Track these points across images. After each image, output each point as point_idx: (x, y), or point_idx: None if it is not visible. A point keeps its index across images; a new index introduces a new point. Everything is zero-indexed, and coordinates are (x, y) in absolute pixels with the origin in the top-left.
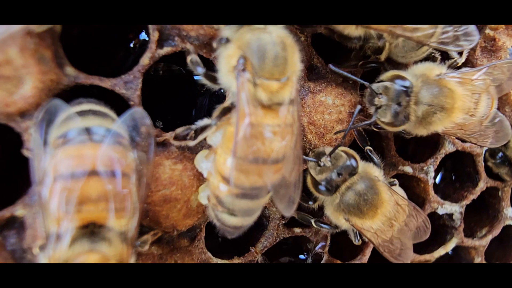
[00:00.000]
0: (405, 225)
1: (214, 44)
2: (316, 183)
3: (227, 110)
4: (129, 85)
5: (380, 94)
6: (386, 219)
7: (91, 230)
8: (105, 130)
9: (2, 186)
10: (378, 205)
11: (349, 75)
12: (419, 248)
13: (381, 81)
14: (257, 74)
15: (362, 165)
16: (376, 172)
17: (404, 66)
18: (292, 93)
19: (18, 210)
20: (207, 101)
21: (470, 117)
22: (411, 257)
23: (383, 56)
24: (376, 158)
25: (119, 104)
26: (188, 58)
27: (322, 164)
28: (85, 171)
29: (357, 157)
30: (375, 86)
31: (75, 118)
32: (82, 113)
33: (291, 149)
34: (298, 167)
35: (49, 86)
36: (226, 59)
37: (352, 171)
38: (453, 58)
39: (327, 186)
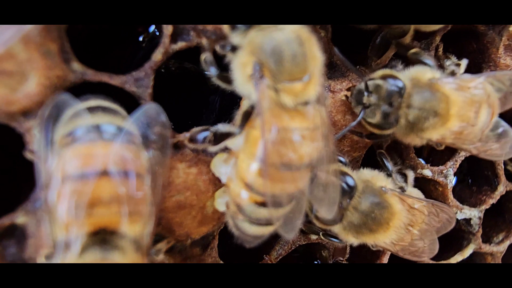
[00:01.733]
0: (427, 225)
1: (222, 51)
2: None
3: (248, 114)
4: (140, 82)
5: (371, 92)
6: (402, 228)
7: (102, 238)
8: (116, 128)
9: (2, 191)
10: (389, 219)
11: (347, 62)
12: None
13: (372, 79)
14: (277, 78)
15: (365, 176)
16: (382, 181)
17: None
18: (317, 90)
19: (19, 217)
20: (219, 99)
21: (470, 126)
22: (437, 248)
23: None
24: (387, 162)
25: (128, 104)
26: (202, 56)
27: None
28: (96, 172)
29: (352, 173)
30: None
31: (83, 114)
32: (90, 110)
33: (323, 149)
34: (333, 166)
35: (55, 83)
36: (240, 68)
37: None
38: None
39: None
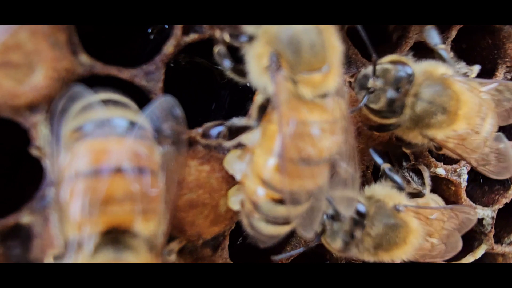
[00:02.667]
0: (447, 230)
1: (235, 42)
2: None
3: (264, 108)
4: (151, 76)
5: (377, 76)
6: (420, 240)
7: (115, 237)
8: (128, 122)
9: (5, 190)
10: (406, 237)
11: (367, 41)
12: None
13: (380, 64)
14: (295, 69)
15: (377, 195)
16: (395, 198)
17: None
18: (337, 81)
19: (24, 217)
20: (229, 94)
21: (474, 133)
22: (460, 245)
23: None
24: (396, 177)
25: (136, 99)
26: (216, 49)
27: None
28: (110, 168)
29: (362, 196)
30: (370, 68)
31: (93, 108)
32: (100, 104)
33: (343, 144)
34: (353, 162)
35: (63, 75)
36: (256, 60)
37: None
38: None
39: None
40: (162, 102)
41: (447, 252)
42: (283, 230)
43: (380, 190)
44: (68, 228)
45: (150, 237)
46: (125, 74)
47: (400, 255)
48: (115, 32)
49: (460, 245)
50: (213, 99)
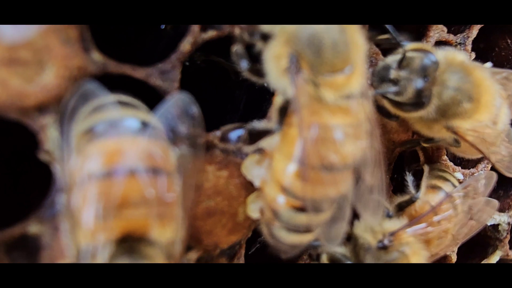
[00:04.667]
0: (460, 220)
1: (251, 40)
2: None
3: (285, 110)
4: (166, 75)
5: (400, 67)
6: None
7: (130, 246)
8: (140, 122)
9: (11, 197)
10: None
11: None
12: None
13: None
14: (316, 71)
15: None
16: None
17: None
18: (361, 82)
19: (32, 226)
20: (244, 94)
21: (492, 124)
22: (486, 216)
23: None
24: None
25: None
26: (233, 48)
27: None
28: (124, 171)
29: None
30: (391, 58)
31: (105, 108)
32: (110, 104)
33: (368, 149)
34: (379, 167)
35: (75, 74)
36: (274, 61)
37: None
38: None
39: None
40: (178, 100)
41: (473, 227)
42: (305, 238)
43: (361, 229)
44: (81, 237)
45: (167, 245)
46: (139, 73)
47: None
48: (126, 27)
49: (486, 215)
50: (228, 99)
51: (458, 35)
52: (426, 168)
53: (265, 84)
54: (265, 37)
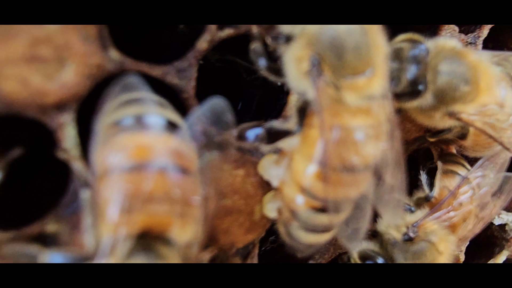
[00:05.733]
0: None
1: (274, 44)
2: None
3: (304, 111)
4: (183, 73)
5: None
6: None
7: (147, 244)
8: (168, 121)
9: (28, 196)
10: (436, 260)
11: None
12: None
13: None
14: (338, 74)
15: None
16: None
17: None
18: (382, 84)
19: (50, 225)
20: (256, 93)
21: (499, 107)
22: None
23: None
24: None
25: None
26: (252, 46)
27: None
28: (155, 166)
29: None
30: None
31: (135, 103)
32: (142, 100)
33: (389, 150)
34: (399, 167)
35: (94, 72)
36: (295, 63)
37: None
38: None
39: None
40: (214, 105)
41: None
42: (323, 238)
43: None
44: (103, 228)
45: (184, 247)
46: (156, 71)
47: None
48: (143, 26)
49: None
50: (239, 98)
51: (469, 34)
52: (439, 165)
53: (279, 83)
54: (286, 39)
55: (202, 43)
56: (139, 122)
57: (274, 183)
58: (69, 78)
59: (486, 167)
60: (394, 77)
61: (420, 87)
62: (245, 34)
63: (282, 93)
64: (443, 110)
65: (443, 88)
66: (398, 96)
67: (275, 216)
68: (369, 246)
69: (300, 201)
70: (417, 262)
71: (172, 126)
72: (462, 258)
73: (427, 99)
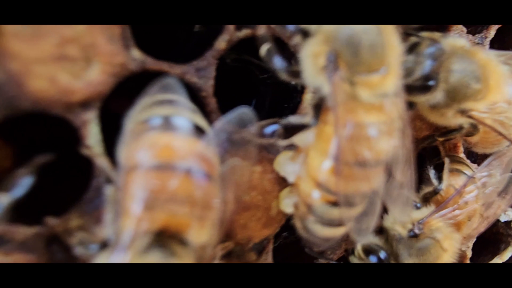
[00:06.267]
0: (485, 201)
1: (290, 39)
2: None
3: (319, 107)
4: (202, 73)
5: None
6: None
7: (163, 242)
8: (196, 125)
9: (52, 192)
10: (440, 257)
11: None
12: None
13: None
14: (353, 70)
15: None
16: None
17: None
18: (395, 83)
19: (73, 220)
20: (270, 90)
21: (507, 104)
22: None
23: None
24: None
25: None
26: (264, 47)
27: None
28: (181, 167)
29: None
30: None
31: (167, 104)
32: (172, 102)
33: (400, 147)
34: (409, 165)
35: (117, 71)
36: (311, 59)
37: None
38: None
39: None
40: (241, 114)
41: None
42: (339, 232)
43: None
44: (126, 222)
45: (199, 248)
46: (176, 70)
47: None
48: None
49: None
50: (253, 96)
51: (476, 35)
52: (447, 161)
53: (293, 83)
54: (304, 35)
55: (221, 43)
56: (167, 123)
57: (290, 179)
58: (95, 77)
59: (492, 166)
60: (409, 69)
61: (431, 83)
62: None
63: (296, 92)
64: (455, 107)
65: (455, 85)
66: (409, 89)
67: (292, 211)
68: (374, 240)
69: (316, 195)
70: (421, 258)
71: (199, 131)
72: (469, 254)
73: (436, 96)
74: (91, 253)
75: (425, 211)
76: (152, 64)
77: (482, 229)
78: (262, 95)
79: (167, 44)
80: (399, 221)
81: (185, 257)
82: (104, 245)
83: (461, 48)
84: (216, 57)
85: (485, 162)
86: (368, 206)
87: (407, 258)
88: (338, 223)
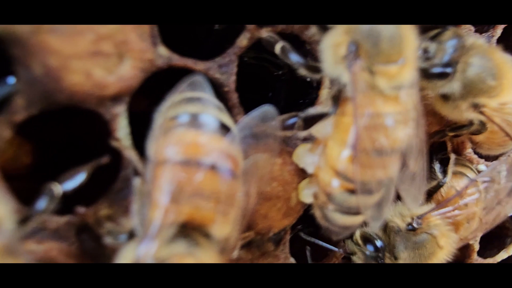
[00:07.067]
0: (486, 205)
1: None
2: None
3: (337, 98)
4: (224, 69)
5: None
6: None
7: (188, 233)
8: (222, 123)
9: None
10: (435, 252)
11: None
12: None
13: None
14: (372, 60)
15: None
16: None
17: None
18: (412, 74)
19: (102, 210)
20: (285, 86)
21: None
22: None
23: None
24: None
25: None
26: (279, 45)
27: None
28: (207, 163)
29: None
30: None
31: (195, 101)
32: (200, 100)
33: (414, 137)
34: (422, 156)
35: (146, 66)
36: (333, 49)
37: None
38: None
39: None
40: (264, 112)
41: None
42: (358, 220)
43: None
44: (154, 213)
45: (222, 240)
46: (200, 66)
47: (440, 257)
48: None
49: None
50: (268, 92)
51: (483, 34)
52: (452, 156)
53: (308, 79)
54: (324, 29)
55: (243, 40)
56: (195, 120)
57: (309, 170)
58: (126, 72)
59: (496, 172)
60: (430, 53)
61: (449, 70)
62: (281, 33)
63: (312, 88)
64: (469, 101)
65: (472, 79)
66: (427, 75)
67: (311, 201)
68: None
69: (335, 184)
70: (417, 252)
71: (224, 129)
72: (476, 247)
73: (452, 86)
74: (120, 243)
75: (426, 207)
76: (178, 60)
77: (479, 233)
78: (278, 92)
79: (190, 41)
80: (399, 214)
81: (208, 248)
82: (132, 235)
83: (481, 46)
84: (237, 54)
85: (489, 168)
86: (383, 193)
87: (403, 251)
88: (357, 211)
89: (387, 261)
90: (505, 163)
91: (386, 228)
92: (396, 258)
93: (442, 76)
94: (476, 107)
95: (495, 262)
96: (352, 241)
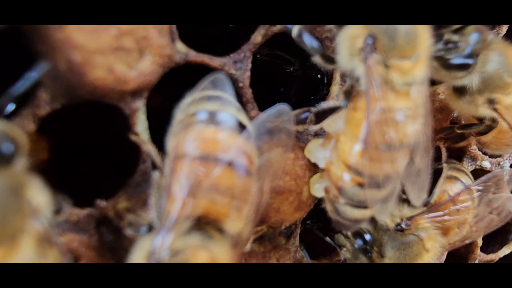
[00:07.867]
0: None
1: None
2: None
3: (350, 93)
4: (239, 65)
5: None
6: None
7: (202, 227)
8: (238, 121)
9: (101, 176)
10: (421, 256)
11: None
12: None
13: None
14: (388, 54)
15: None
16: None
17: None
18: (424, 71)
19: (121, 203)
20: (297, 82)
21: None
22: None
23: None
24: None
25: None
26: (295, 30)
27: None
28: (225, 160)
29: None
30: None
31: (215, 100)
32: (220, 98)
33: (422, 133)
34: (427, 153)
35: (165, 62)
36: (349, 41)
37: None
38: None
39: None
40: (281, 110)
41: (493, 222)
42: (367, 213)
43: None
44: (171, 206)
45: (235, 234)
46: (216, 62)
47: (427, 259)
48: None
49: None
50: (280, 88)
51: (489, 32)
52: (444, 169)
53: (319, 76)
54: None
55: (257, 37)
56: (213, 117)
57: (321, 164)
58: (146, 67)
59: (491, 182)
60: (452, 44)
61: (470, 61)
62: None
63: (323, 84)
64: (486, 95)
65: (491, 73)
66: (448, 65)
67: (322, 195)
68: (365, 224)
69: (347, 178)
70: (403, 252)
71: (241, 128)
72: (480, 243)
73: (471, 78)
74: (140, 234)
75: (416, 210)
76: (194, 56)
77: (468, 240)
78: (289, 88)
79: (206, 37)
80: (390, 214)
81: (221, 242)
82: (151, 228)
83: (500, 43)
84: (252, 50)
85: (484, 178)
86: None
87: (389, 250)
88: (367, 205)
89: (375, 256)
90: (502, 173)
91: (376, 225)
92: (382, 256)
93: (463, 67)
94: (491, 102)
95: (498, 257)
96: (342, 234)
